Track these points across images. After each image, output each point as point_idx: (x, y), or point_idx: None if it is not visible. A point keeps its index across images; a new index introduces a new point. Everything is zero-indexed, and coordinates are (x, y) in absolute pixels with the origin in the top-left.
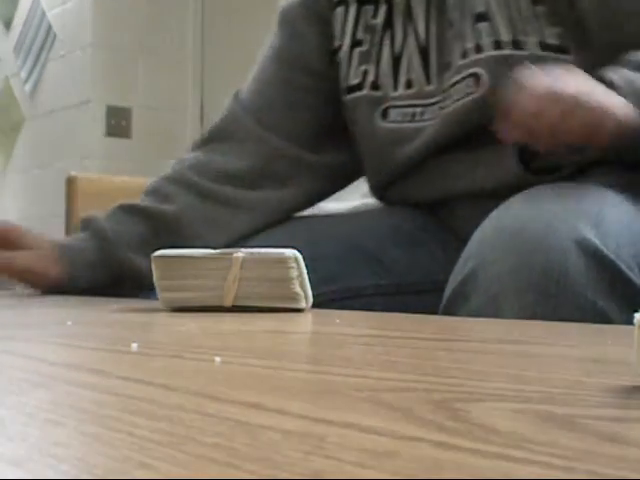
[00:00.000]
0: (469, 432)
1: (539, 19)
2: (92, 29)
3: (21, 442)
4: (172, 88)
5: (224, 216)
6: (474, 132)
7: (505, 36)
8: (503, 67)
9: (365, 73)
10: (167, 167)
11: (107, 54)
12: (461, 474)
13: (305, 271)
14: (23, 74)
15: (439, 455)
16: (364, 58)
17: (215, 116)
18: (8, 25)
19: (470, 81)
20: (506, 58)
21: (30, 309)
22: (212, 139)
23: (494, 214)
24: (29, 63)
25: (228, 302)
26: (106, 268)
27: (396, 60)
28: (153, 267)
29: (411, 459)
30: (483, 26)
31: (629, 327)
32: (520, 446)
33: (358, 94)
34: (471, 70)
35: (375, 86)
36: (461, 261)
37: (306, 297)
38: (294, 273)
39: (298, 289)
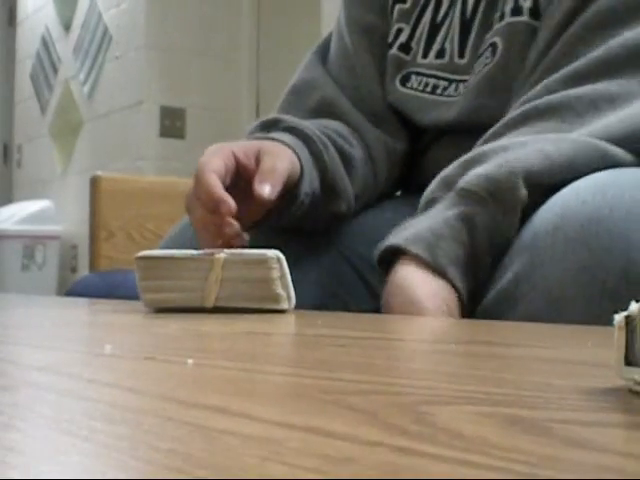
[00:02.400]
0: (432, 436)
1: None
2: (146, 30)
3: None
4: (226, 88)
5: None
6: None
7: (525, 1)
8: (517, 36)
9: (398, 32)
10: None
11: (161, 55)
12: None
13: (288, 272)
14: (82, 76)
15: (398, 460)
16: (402, 16)
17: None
18: (68, 27)
19: (489, 52)
20: (523, 26)
21: (11, 310)
22: (313, 114)
23: (557, 198)
24: (87, 65)
25: (209, 303)
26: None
27: (435, 27)
28: (135, 268)
29: (369, 465)
30: None
31: (610, 328)
32: (482, 451)
33: (389, 52)
34: (490, 40)
35: (404, 48)
36: (509, 255)
37: (289, 298)
38: (276, 274)
39: (280, 290)
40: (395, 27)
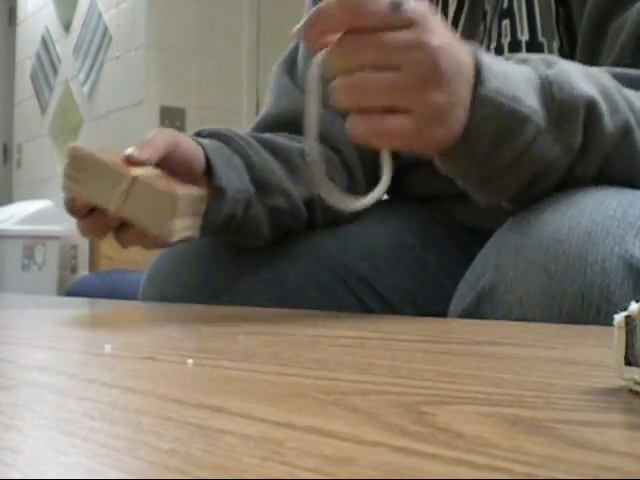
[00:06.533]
0: (433, 437)
1: (559, 21)
2: (146, 30)
3: None
4: (226, 88)
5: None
6: None
7: (523, 36)
8: None
9: None
10: None
11: (161, 55)
12: None
13: (200, 210)
14: (81, 76)
15: (398, 461)
16: None
17: None
18: (68, 27)
19: None
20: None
21: (11, 310)
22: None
23: (519, 219)
24: (87, 65)
25: (112, 209)
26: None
27: None
28: (67, 155)
29: (369, 465)
30: (505, 23)
31: (610, 328)
32: (483, 451)
33: None
34: None
35: None
36: (474, 273)
37: (186, 229)
38: (177, 212)
39: (174, 225)
40: None
